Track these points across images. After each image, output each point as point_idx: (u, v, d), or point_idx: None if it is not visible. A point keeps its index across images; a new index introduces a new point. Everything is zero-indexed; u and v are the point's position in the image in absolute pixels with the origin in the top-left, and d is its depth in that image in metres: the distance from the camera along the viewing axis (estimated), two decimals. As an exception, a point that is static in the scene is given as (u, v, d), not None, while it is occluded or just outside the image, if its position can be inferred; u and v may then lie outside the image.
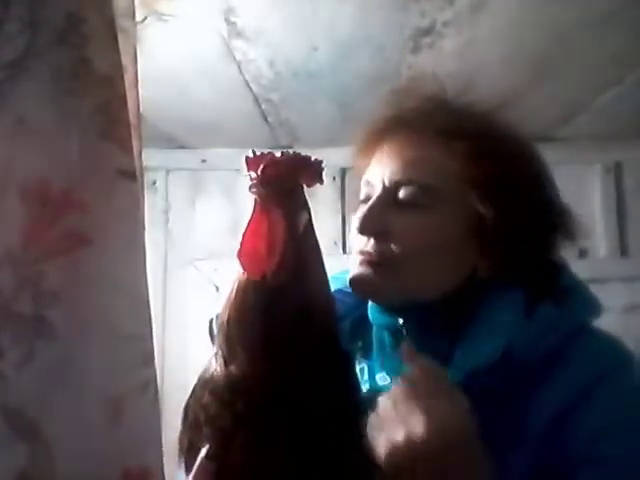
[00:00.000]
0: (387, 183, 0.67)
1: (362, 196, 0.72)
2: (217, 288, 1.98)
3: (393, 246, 0.65)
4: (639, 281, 1.92)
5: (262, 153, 0.61)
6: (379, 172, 0.69)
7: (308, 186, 0.63)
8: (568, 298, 0.65)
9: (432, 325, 0.67)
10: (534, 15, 1.19)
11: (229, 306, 0.62)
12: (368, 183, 0.71)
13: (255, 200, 0.60)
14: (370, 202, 0.68)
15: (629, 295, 1.88)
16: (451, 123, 0.67)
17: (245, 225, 0.60)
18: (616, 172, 1.98)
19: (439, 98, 0.72)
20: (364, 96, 1.53)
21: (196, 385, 0.63)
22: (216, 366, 0.61)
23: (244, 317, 0.60)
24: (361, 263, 0.68)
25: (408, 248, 0.65)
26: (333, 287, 0.68)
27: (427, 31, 1.23)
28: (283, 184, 0.60)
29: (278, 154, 0.61)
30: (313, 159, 0.63)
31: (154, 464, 0.52)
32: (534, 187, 0.68)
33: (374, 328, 0.73)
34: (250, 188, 0.59)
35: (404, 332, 0.68)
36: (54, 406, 0.47)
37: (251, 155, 0.60)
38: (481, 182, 0.65)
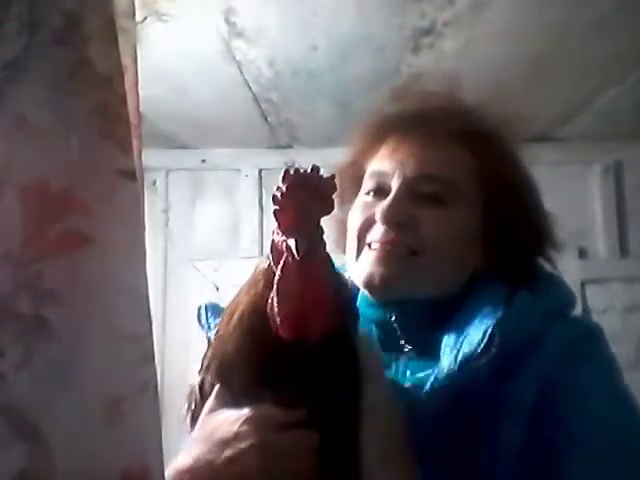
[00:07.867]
0: (409, 177, 0.68)
1: (370, 187, 0.72)
2: (217, 288, 1.98)
3: (420, 238, 0.66)
4: (639, 281, 1.92)
5: None
6: (394, 166, 0.70)
7: None
8: (543, 287, 0.68)
9: (426, 320, 0.68)
10: (534, 15, 1.19)
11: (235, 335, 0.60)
12: (378, 175, 0.71)
13: None
14: (392, 194, 0.68)
15: (629, 295, 1.88)
16: (467, 123, 0.70)
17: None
18: (616, 172, 1.99)
19: (453, 98, 0.74)
20: (364, 96, 1.53)
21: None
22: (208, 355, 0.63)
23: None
24: (382, 255, 0.67)
25: (436, 241, 0.66)
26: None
27: (427, 31, 1.24)
28: None
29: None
30: None
31: (154, 464, 0.51)
32: (528, 189, 0.72)
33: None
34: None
35: (395, 327, 0.69)
36: (54, 406, 0.47)
37: None
38: (493, 179, 0.68)
